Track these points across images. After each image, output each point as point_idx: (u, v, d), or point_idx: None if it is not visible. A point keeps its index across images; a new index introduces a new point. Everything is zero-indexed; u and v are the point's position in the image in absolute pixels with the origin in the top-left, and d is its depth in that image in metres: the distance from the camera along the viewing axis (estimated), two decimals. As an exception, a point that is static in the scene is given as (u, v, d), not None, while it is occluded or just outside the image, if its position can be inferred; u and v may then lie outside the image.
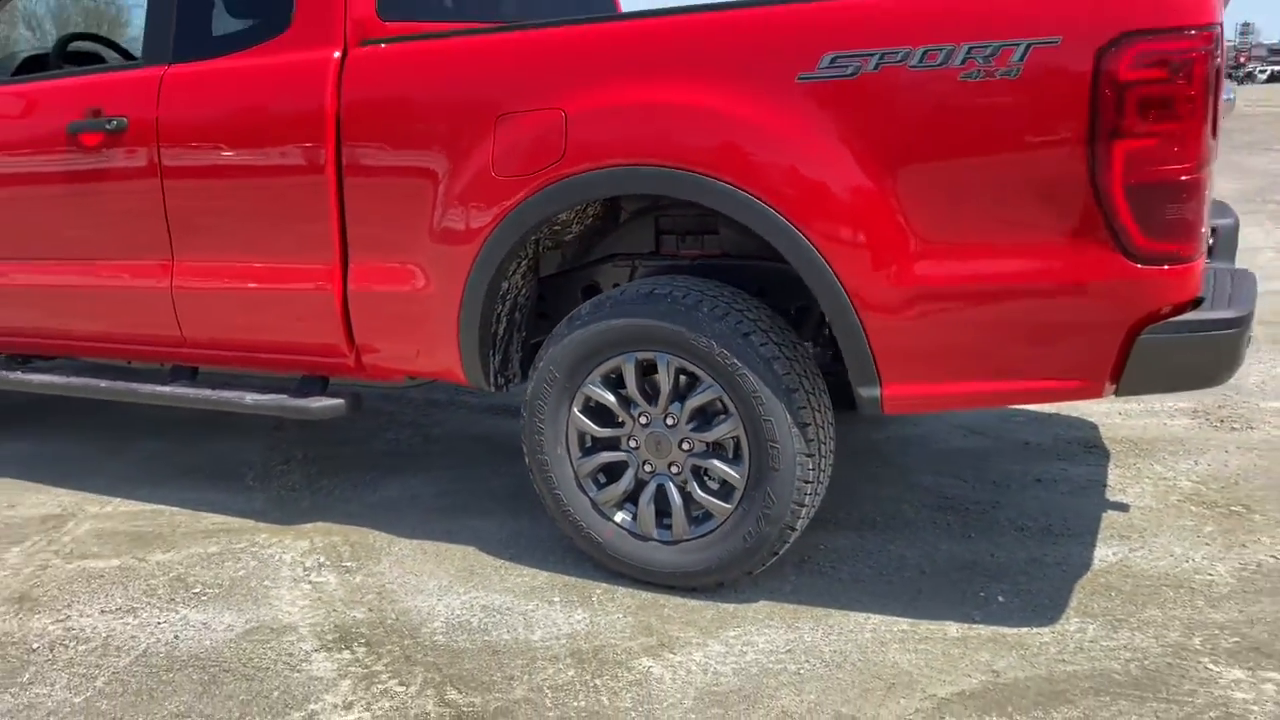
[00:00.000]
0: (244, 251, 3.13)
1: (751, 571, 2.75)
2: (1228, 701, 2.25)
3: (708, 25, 2.52)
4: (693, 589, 2.80)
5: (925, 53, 2.27)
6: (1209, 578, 2.81)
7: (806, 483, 2.61)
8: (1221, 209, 3.34)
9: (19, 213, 3.50)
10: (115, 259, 3.36)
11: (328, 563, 3.09)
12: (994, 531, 3.14)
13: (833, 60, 2.35)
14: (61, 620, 2.80)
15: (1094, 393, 2.36)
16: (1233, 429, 3.93)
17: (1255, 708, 2.22)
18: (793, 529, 2.66)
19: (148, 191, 3.20)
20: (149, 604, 2.88)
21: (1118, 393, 2.36)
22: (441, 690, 2.41)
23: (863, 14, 2.37)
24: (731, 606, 2.75)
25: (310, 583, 2.97)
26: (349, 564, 3.07)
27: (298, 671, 2.51)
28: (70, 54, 3.95)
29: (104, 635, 2.71)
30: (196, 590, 2.95)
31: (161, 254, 3.27)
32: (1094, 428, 3.99)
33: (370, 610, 2.80)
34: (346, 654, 2.58)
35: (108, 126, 3.21)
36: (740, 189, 2.45)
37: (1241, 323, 2.28)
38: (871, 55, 2.32)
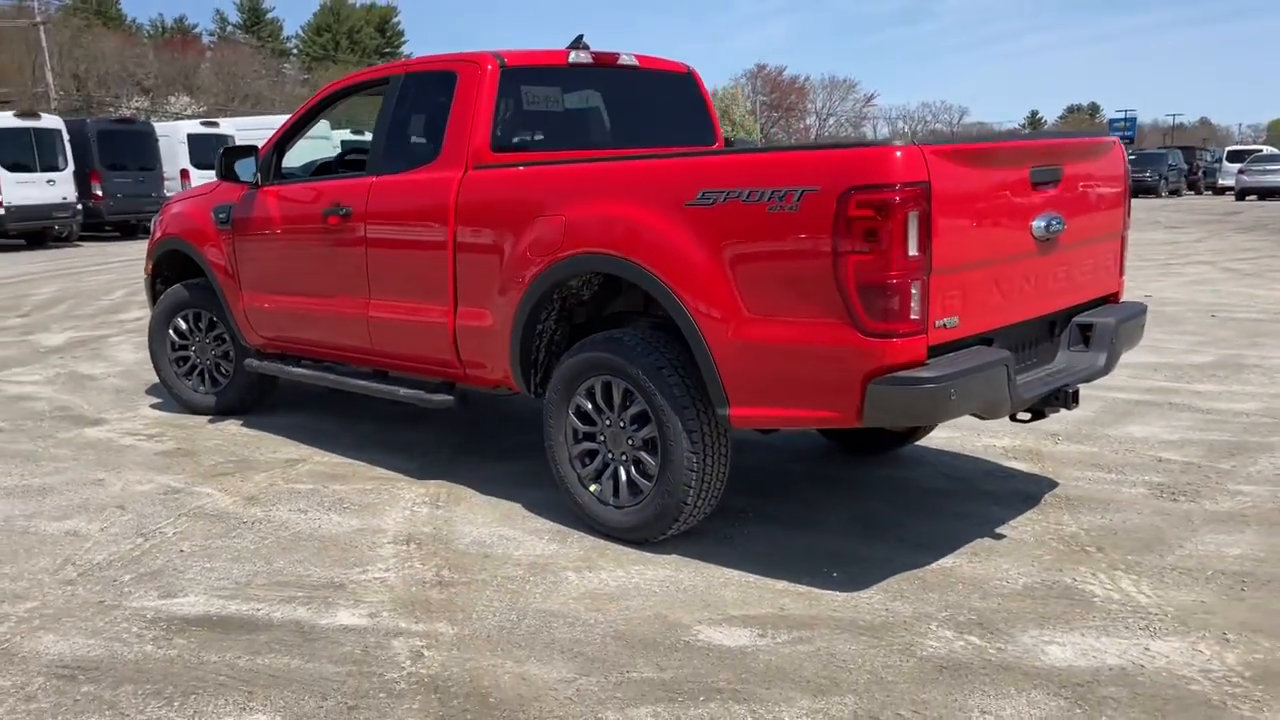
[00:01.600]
0: (405, 295, 4.84)
1: (664, 532, 4.01)
2: (921, 647, 3.26)
3: (639, 169, 3.94)
4: (633, 541, 4.11)
5: (749, 193, 3.53)
6: (1003, 582, 3.72)
7: (692, 472, 3.86)
8: (1120, 309, 4.21)
9: (296, 263, 5.46)
10: (340, 296, 5.20)
11: (428, 502, 4.69)
12: (880, 540, 4.17)
13: (703, 194, 3.66)
14: (266, 511, 4.60)
15: (851, 422, 3.46)
16: (1176, 499, 4.58)
17: (936, 646, 3.23)
18: (685, 504, 3.91)
19: (358, 255, 5.01)
20: (316, 509, 4.61)
21: (864, 424, 3.44)
22: (440, 570, 3.91)
23: (721, 167, 3.68)
24: (650, 554, 4.03)
25: (411, 511, 4.58)
26: (440, 505, 4.66)
27: (371, 550, 4.11)
28: (347, 162, 5.93)
29: (283, 521, 4.47)
30: (346, 506, 4.65)
31: (363, 294, 5.06)
32: (1052, 485, 4.79)
33: (433, 529, 4.36)
34: (404, 547, 4.15)
35: (341, 213, 5.07)
36: (648, 270, 3.79)
37: (938, 381, 3.30)
38: (724, 192, 3.61)
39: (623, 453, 4.10)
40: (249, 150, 5.61)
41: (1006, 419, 3.95)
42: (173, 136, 24.13)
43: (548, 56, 4.92)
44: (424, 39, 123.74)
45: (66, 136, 21.07)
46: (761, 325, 3.57)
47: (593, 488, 4.21)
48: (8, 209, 19.92)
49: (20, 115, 21.30)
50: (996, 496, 4.65)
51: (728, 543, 4.15)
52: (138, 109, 53.51)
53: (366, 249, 4.98)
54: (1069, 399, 3.89)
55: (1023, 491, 4.71)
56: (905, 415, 3.43)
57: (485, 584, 3.79)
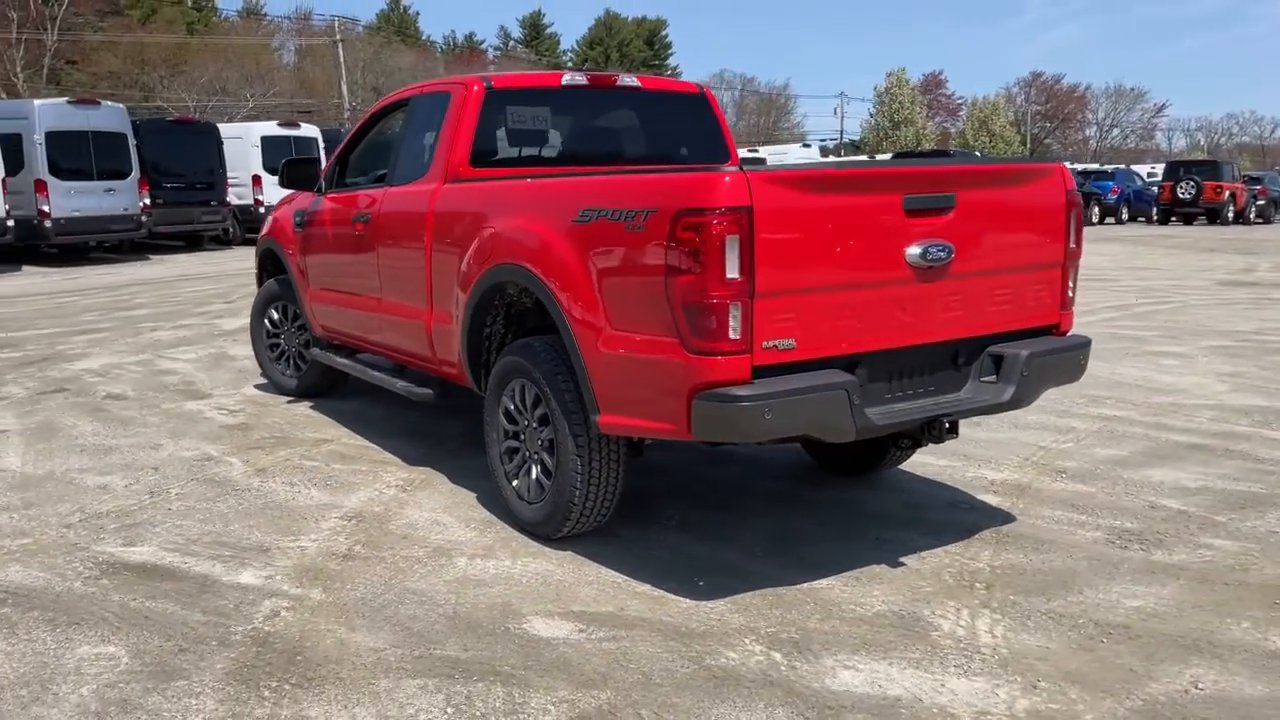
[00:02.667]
0: (400, 295, 5.31)
1: (560, 530, 4.25)
2: (717, 656, 3.37)
3: (540, 187, 4.21)
4: (539, 536, 4.37)
5: (614, 212, 3.72)
6: (857, 607, 3.72)
7: (577, 474, 4.08)
8: (1044, 342, 4.08)
9: (338, 264, 6.05)
10: (365, 294, 5.74)
11: (399, 485, 5.13)
12: (777, 557, 4.22)
13: (583, 212, 3.88)
14: (264, 482, 5.19)
15: (684, 435, 3.58)
16: (1128, 547, 4.33)
17: (732, 658, 3.33)
18: (573, 504, 4.13)
19: (374, 259, 5.53)
20: (304, 484, 5.16)
21: (694, 437, 3.56)
22: (355, 545, 4.33)
23: (596, 187, 3.89)
24: (549, 548, 4.28)
25: (378, 492, 5.04)
26: (407, 489, 5.08)
27: (316, 523, 4.59)
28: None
29: (270, 491, 5.04)
30: (330, 483, 5.17)
31: (377, 294, 5.57)
32: (1007, 521, 4.63)
33: (383, 509, 4.78)
34: (346, 523, 4.60)
35: (364, 220, 5.60)
36: (541, 281, 4.05)
37: (752, 400, 3.38)
38: (597, 211, 3.82)
39: (534, 452, 4.37)
40: (310, 161, 6.26)
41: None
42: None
43: (540, 79, 5.26)
44: (692, 53, 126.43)
45: (321, 144, 23.28)
46: (619, 338, 3.75)
47: (515, 483, 4.50)
48: (266, 208, 22.29)
49: (282, 125, 23.83)
50: (935, 526, 4.56)
51: (628, 545, 4.33)
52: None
53: (378, 253, 5.49)
54: (944, 430, 3.82)
55: (968, 524, 4.58)
56: (727, 431, 3.51)
57: (382, 561, 4.16)
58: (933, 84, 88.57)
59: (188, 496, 4.98)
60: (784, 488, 5.15)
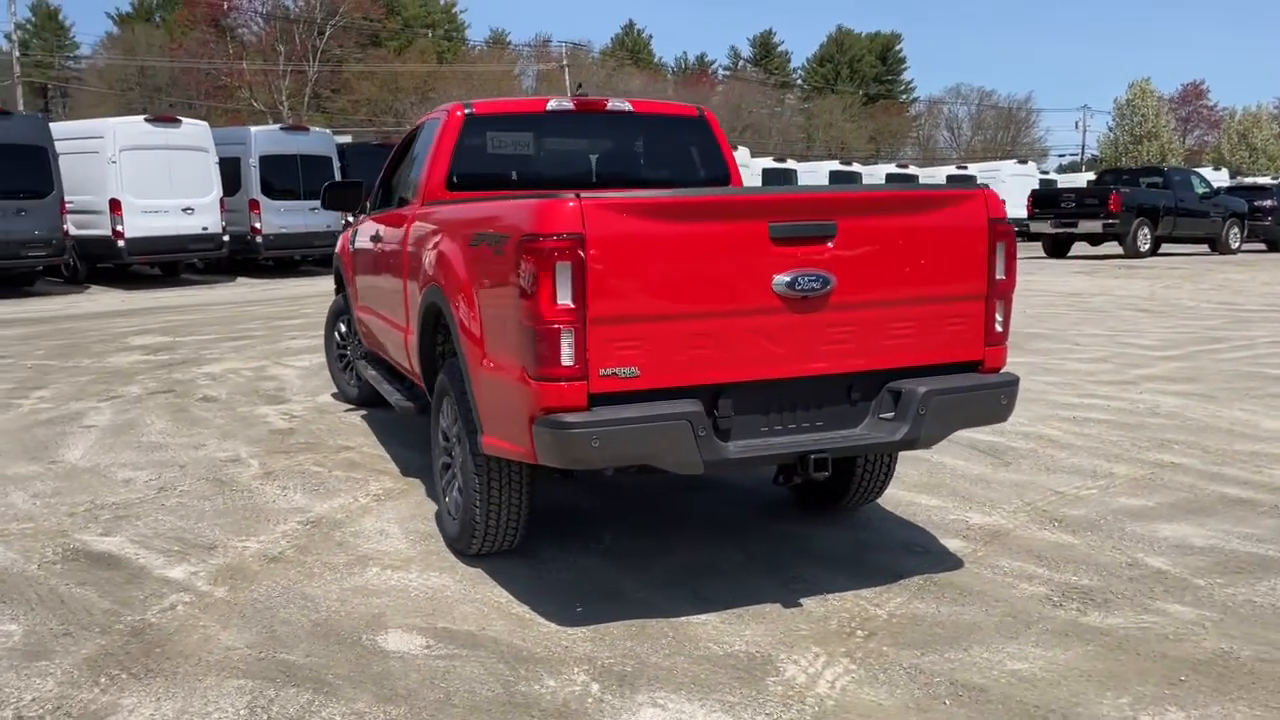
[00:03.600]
0: (392, 310, 5.55)
1: (470, 547, 4.32)
2: (532, 681, 3.37)
3: (454, 213, 4.31)
4: (457, 551, 4.46)
5: (490, 237, 3.79)
6: (714, 645, 3.61)
7: (476, 493, 4.15)
8: (954, 379, 3.85)
9: (368, 281, 6.39)
10: (380, 309, 6.02)
11: (377, 494, 5.36)
12: (672, 588, 4.13)
13: (475, 236, 3.97)
14: (262, 485, 5.54)
15: (532, 458, 3.59)
16: (1064, 605, 3.97)
17: (549, 685, 3.33)
18: (475, 523, 4.20)
19: (386, 276, 5.81)
20: (296, 489, 5.47)
21: (540, 462, 3.56)
22: (289, 549, 4.57)
23: (483, 211, 3.96)
24: (460, 564, 4.37)
25: (353, 499, 5.28)
26: (381, 498, 5.30)
27: (275, 526, 4.87)
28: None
29: (260, 493, 5.38)
30: (318, 489, 5.46)
31: (388, 310, 5.84)
32: (951, 569, 4.33)
33: (344, 516, 5.01)
34: (302, 527, 4.86)
35: (380, 238, 5.89)
36: (448, 303, 4.16)
37: (580, 427, 3.36)
38: (481, 235, 3.89)
39: (457, 469, 4.48)
40: (353, 185, 6.64)
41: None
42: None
43: (524, 105, 5.37)
44: (927, 67, 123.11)
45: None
46: (491, 360, 3.81)
47: (446, 499, 4.62)
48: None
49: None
50: (868, 569, 4.33)
51: (539, 565, 4.35)
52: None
53: (388, 271, 5.76)
54: (812, 465, 3.64)
55: (904, 569, 4.32)
56: (559, 458, 3.47)
57: (301, 565, 4.38)
58: (1192, 94, 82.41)
59: (188, 494, 5.39)
60: (745, 519, 5.01)
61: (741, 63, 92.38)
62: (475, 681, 3.36)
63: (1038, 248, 25.25)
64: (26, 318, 14.09)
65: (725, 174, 5.63)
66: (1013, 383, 3.95)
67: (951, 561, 4.41)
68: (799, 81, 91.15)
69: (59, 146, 17.65)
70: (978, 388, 3.87)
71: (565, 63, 59.76)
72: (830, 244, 3.64)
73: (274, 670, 3.44)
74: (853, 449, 3.77)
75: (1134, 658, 3.52)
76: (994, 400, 3.90)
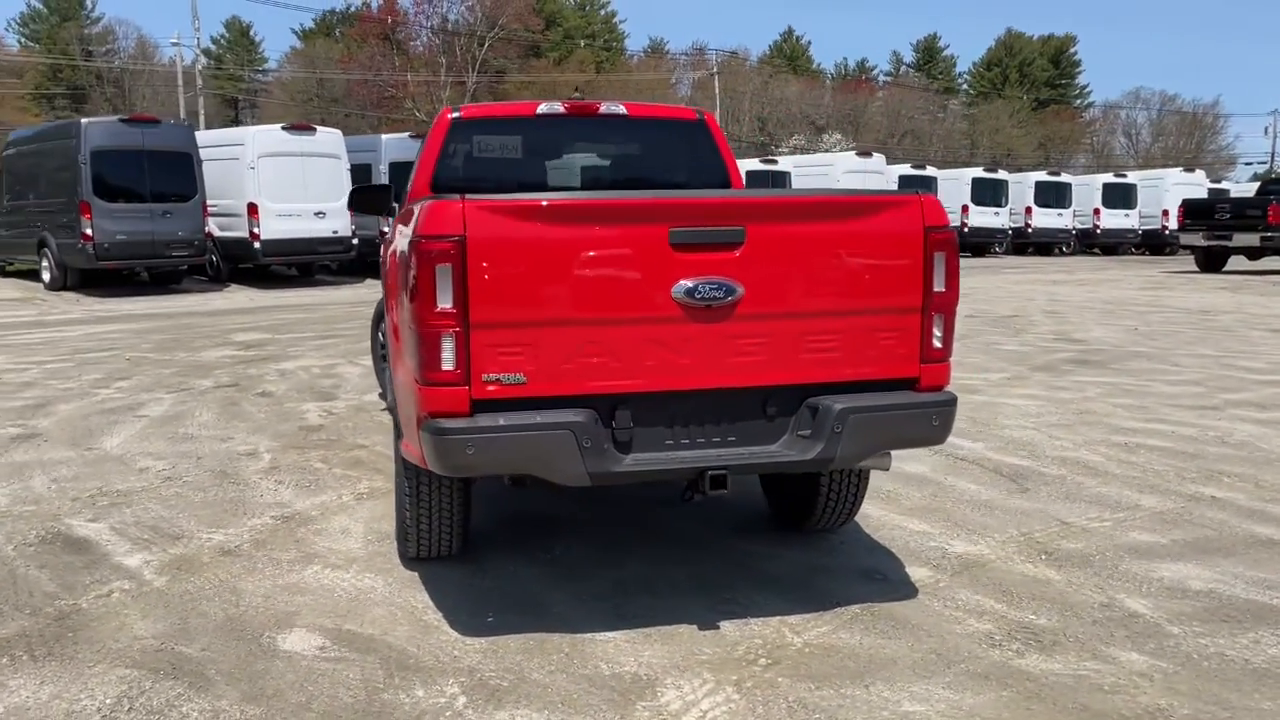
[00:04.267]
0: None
1: (409, 553, 4.30)
2: (403, 692, 3.32)
3: (400, 217, 4.28)
4: (402, 555, 4.45)
5: (407, 239, 3.77)
6: (607, 665, 3.48)
7: (406, 496, 4.13)
8: (883, 396, 3.62)
9: (387, 282, 6.46)
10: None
11: (360, 494, 5.41)
12: (595, 603, 4.00)
13: (401, 239, 3.95)
14: (262, 479, 5.68)
15: (425, 464, 3.54)
16: (1002, 647, 3.66)
17: (417, 696, 3.29)
18: (409, 528, 4.18)
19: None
20: (291, 486, 5.58)
21: (430, 468, 3.50)
22: (246, 544, 4.65)
23: (407, 217, 3.93)
24: (400, 568, 4.36)
25: (336, 496, 5.35)
26: (361, 497, 5.35)
27: (246, 521, 4.98)
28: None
29: (256, 488, 5.51)
30: (312, 487, 5.56)
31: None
32: (901, 600, 4.06)
33: (318, 514, 5.08)
34: (271, 522, 4.95)
35: (383, 243, 5.96)
36: (386, 303, 4.16)
37: (455, 434, 3.29)
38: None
39: (403, 472, 4.47)
40: (381, 188, 6.73)
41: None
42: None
43: (514, 109, 5.34)
44: (1103, 70, 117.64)
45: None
46: (400, 363, 3.79)
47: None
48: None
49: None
50: (809, 594, 4.09)
51: (475, 573, 4.30)
52: (794, 146, 58.97)
53: (381, 272, 5.82)
54: (709, 483, 3.46)
55: (846, 597, 4.07)
56: (440, 464, 3.40)
57: (251, 559, 4.45)
58: (1399, 100, 75.88)
59: (189, 484, 5.57)
60: (714, 535, 4.83)
61: (904, 68, 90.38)
62: (344, 687, 3.33)
63: (1190, 261, 23.70)
64: (155, 313, 14.95)
65: (724, 179, 5.46)
66: (947, 402, 3.67)
67: (904, 591, 4.14)
68: (964, 86, 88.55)
69: (204, 153, 18.69)
70: (903, 406, 3.61)
71: (715, 70, 59.70)
72: (737, 251, 3.46)
73: (164, 662, 3.50)
74: (756, 467, 3.57)
75: (1048, 708, 3.21)
76: (923, 420, 3.62)
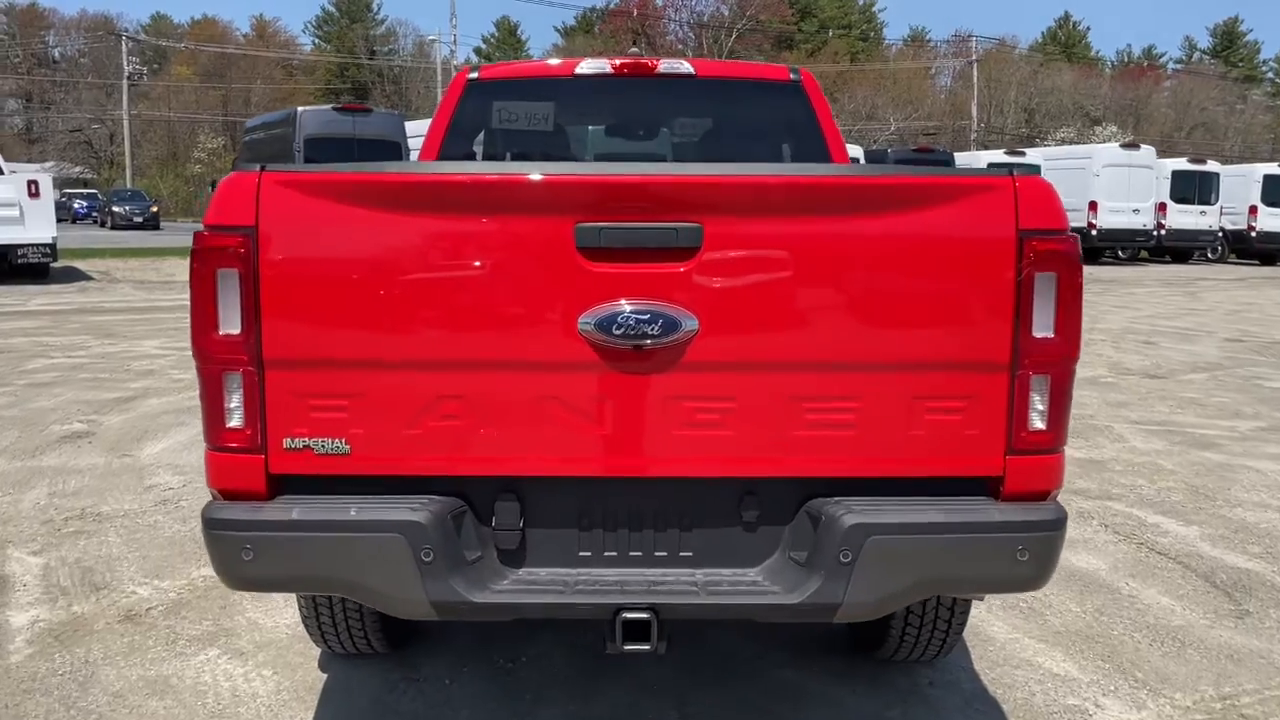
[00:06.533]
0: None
1: (320, 645, 3.23)
2: None
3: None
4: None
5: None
6: None
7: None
8: (910, 506, 2.22)
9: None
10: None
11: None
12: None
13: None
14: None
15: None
16: None
17: None
18: (311, 622, 3.10)
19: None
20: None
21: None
22: (199, 591, 3.73)
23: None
24: (313, 665, 3.30)
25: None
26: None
27: (201, 569, 4.08)
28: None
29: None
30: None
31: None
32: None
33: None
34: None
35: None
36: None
37: (229, 528, 2.17)
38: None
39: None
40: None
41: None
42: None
43: (547, 68, 4.15)
44: None
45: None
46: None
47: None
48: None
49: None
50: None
51: (400, 682, 3.18)
52: (1062, 139, 54.58)
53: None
54: (621, 631, 2.15)
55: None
56: (222, 573, 2.26)
57: (148, 630, 3.53)
58: None
59: (179, 512, 4.78)
60: (747, 651, 3.48)
61: (1197, 55, 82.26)
62: None
63: None
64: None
65: (825, 149, 4.05)
66: (1050, 524, 2.17)
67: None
68: (1269, 75, 79.65)
69: (412, 143, 18.63)
70: (966, 527, 2.15)
71: (975, 58, 55.92)
72: (687, 262, 2.14)
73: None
74: (699, 608, 2.21)
75: None
76: (1000, 552, 2.15)
